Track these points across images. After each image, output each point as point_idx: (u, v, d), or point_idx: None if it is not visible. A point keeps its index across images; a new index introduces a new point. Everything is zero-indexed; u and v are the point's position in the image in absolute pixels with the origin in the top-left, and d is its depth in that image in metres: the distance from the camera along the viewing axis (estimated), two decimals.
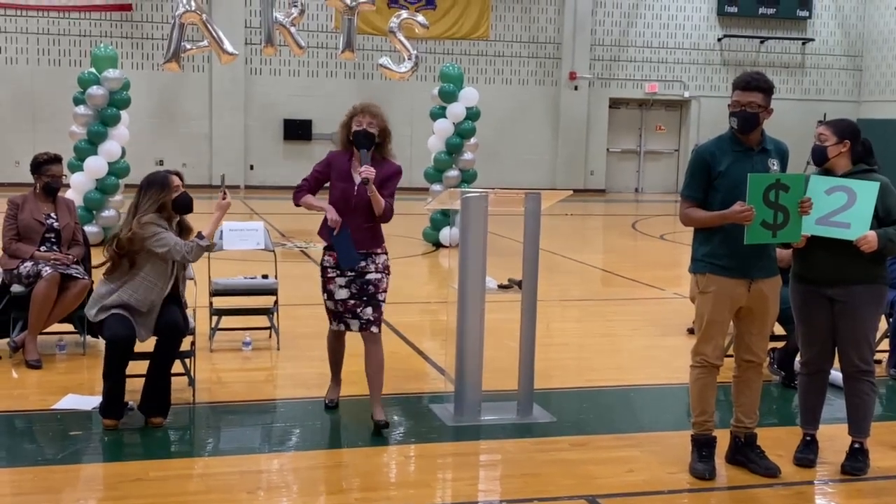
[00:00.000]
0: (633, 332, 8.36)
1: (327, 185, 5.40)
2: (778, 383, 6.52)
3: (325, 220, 5.26)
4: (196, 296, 6.53)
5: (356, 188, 5.22)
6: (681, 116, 26.37)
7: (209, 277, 7.28)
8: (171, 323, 5.30)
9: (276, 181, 23.18)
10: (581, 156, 25.12)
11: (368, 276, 5.28)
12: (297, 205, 5.39)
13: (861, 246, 4.58)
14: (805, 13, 25.67)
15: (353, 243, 5.20)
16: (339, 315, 5.37)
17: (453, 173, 13.42)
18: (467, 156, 13.61)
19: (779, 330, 6.37)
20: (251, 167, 23.33)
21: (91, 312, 5.27)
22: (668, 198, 23.57)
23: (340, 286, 5.31)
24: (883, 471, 4.91)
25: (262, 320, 7.46)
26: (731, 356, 4.95)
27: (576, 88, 24.82)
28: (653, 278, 11.28)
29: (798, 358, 4.99)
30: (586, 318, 9.19)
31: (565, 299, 9.89)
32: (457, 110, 13.40)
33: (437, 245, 13.28)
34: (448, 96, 13.45)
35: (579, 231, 17.92)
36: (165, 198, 5.30)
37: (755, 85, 4.58)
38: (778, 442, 5.16)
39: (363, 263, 5.26)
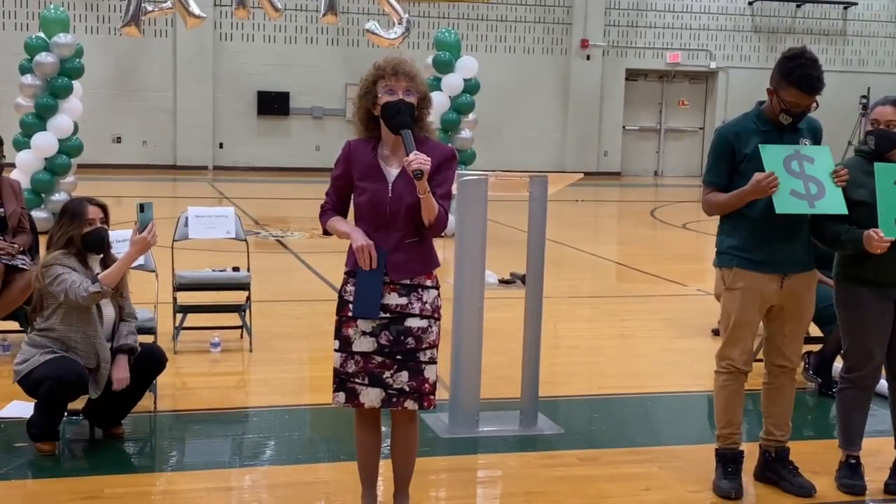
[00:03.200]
0: (651, 333, 8.39)
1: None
2: (814, 391, 6.55)
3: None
4: (158, 291, 6.53)
5: (390, 188, 4.00)
6: (706, 90, 26.41)
7: (173, 270, 7.28)
8: (149, 352, 5.34)
9: (248, 161, 23.20)
10: (594, 134, 25.16)
11: (409, 323, 4.04)
12: (326, 232, 4.21)
13: None
14: None
15: (385, 278, 4.01)
16: (344, 379, 4.11)
17: None
18: (465, 134, 13.62)
19: (815, 331, 6.42)
20: (220, 145, 23.34)
21: (19, 368, 5.09)
22: (692, 182, 23.61)
23: (364, 333, 4.04)
24: None
25: (232, 318, 7.46)
26: (760, 361, 4.97)
27: (588, 58, 24.84)
28: (674, 273, 11.31)
29: (842, 370, 4.98)
30: (598, 317, 9.22)
31: (575, 296, 9.91)
32: (453, 82, 13.40)
33: None
34: (443, 66, 13.46)
35: (591, 219, 17.95)
36: (75, 232, 5.12)
37: (819, 88, 4.54)
38: (813, 457, 5.18)
39: (403, 301, 4.04)
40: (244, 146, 23.33)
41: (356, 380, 4.05)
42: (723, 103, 25.48)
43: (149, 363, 5.33)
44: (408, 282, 4.03)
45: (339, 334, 4.09)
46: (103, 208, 5.26)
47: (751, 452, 4.95)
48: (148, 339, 5.93)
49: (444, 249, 4.69)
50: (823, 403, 6.40)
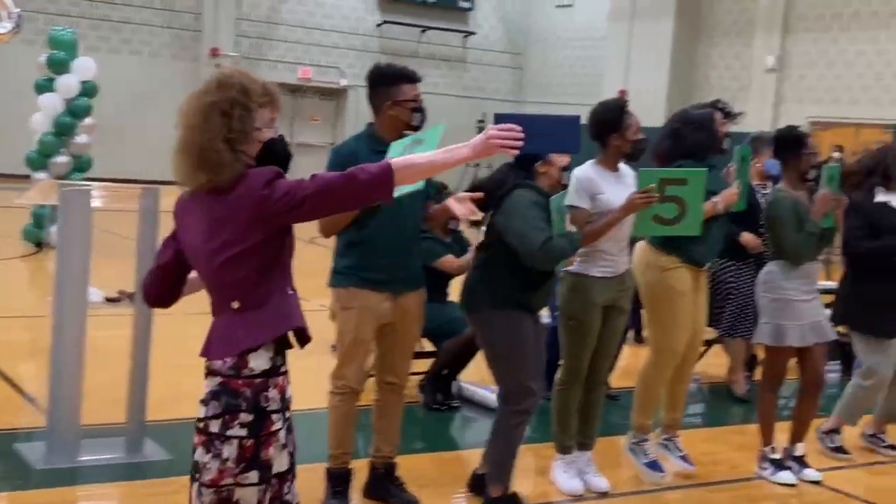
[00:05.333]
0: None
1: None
2: (421, 405, 6.74)
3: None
4: None
5: None
6: (337, 106, 26.90)
7: None
8: None
9: None
10: None
11: None
12: None
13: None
14: (468, 4, 27.26)
15: None
16: None
17: (62, 159, 12.66)
18: (81, 138, 12.89)
19: (429, 346, 6.65)
20: None
21: None
22: None
23: (283, 446, 3.13)
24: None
25: None
26: (372, 376, 5.03)
27: (218, 66, 24.47)
28: (299, 288, 11.30)
29: (509, 406, 4.87)
30: None
31: (194, 313, 9.59)
32: (69, 83, 12.64)
33: (41, 245, 12.53)
34: (58, 66, 12.66)
35: None
36: None
37: (418, 77, 4.79)
38: (420, 473, 5.33)
39: None
40: None
41: None
42: (353, 120, 25.98)
43: None
44: None
45: (256, 462, 2.94)
46: None
47: (361, 469, 5.00)
48: None
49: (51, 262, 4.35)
50: (429, 417, 6.61)
